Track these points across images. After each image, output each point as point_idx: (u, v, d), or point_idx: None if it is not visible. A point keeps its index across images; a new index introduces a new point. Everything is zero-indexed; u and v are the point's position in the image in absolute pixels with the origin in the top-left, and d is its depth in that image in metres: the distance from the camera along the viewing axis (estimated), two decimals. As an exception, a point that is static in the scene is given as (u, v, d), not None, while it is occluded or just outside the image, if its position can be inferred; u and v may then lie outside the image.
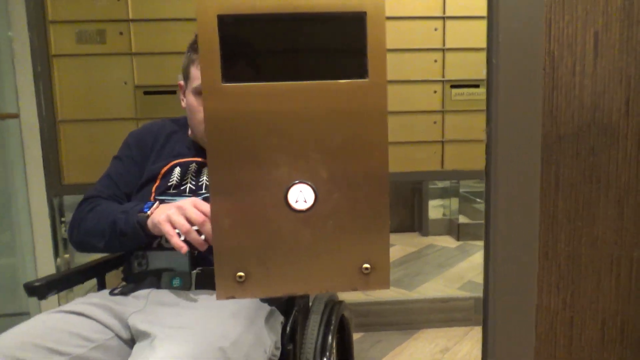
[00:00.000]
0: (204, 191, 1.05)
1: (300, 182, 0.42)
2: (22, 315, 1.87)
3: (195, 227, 0.86)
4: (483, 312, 0.54)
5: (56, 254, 1.90)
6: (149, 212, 0.92)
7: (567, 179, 0.63)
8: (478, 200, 4.47)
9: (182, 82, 1.14)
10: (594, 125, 0.64)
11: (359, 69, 0.41)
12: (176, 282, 0.95)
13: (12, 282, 1.90)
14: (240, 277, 0.43)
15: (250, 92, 0.41)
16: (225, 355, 0.74)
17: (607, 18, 0.62)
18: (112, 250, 1.02)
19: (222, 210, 0.42)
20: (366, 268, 0.44)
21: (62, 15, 1.84)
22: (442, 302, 2.19)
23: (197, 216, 0.86)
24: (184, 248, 0.83)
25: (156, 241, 1.00)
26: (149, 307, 0.89)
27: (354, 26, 0.41)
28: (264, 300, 0.97)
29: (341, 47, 0.42)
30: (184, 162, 1.08)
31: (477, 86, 2.05)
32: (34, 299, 1.87)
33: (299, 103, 0.41)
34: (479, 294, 2.24)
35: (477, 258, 3.19)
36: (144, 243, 0.97)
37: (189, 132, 1.14)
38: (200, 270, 0.96)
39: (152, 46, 1.87)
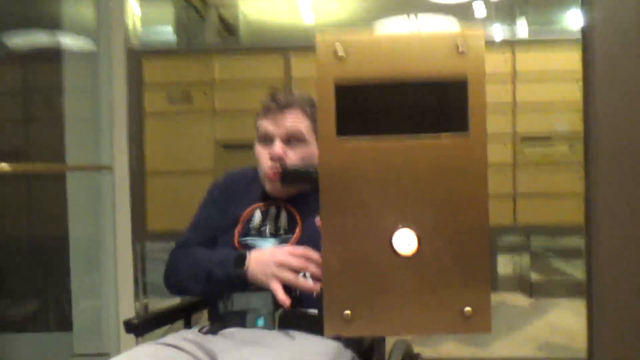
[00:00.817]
0: (281, 232, 1.10)
1: (404, 227, 0.45)
2: (103, 355, 1.97)
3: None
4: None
5: (137, 297, 2.01)
6: (245, 268, 0.99)
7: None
8: (550, 255, 4.25)
9: (255, 143, 1.23)
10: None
11: (460, 126, 0.45)
12: (260, 322, 0.99)
13: (95, 324, 2.03)
14: (347, 315, 0.46)
15: (360, 145, 0.46)
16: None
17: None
18: (208, 295, 1.09)
19: (332, 254, 0.46)
20: (468, 312, 0.46)
21: (155, 79, 2.05)
22: (518, 363, 2.08)
23: (299, 263, 0.93)
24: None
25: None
26: (236, 346, 0.93)
27: (457, 90, 0.45)
28: (345, 347, 0.99)
29: (444, 107, 0.46)
30: (265, 205, 1.14)
31: (548, 139, 2.02)
32: (114, 340, 1.97)
33: (404, 156, 0.46)
34: (559, 356, 2.10)
35: (552, 317, 3.00)
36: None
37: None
38: (283, 312, 1.00)
39: (233, 105, 2.03)
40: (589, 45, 0.50)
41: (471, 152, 0.45)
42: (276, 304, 1.00)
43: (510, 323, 2.84)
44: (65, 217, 1.96)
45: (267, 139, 1.11)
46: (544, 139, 2.02)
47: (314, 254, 0.97)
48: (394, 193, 0.45)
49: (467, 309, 0.46)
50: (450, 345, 2.47)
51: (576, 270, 3.72)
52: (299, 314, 1.00)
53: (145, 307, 2.15)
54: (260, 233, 1.10)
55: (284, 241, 1.07)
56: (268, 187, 1.12)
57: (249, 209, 1.14)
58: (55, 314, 2.24)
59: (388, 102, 0.46)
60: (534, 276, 3.62)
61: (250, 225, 1.11)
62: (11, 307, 2.27)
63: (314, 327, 0.98)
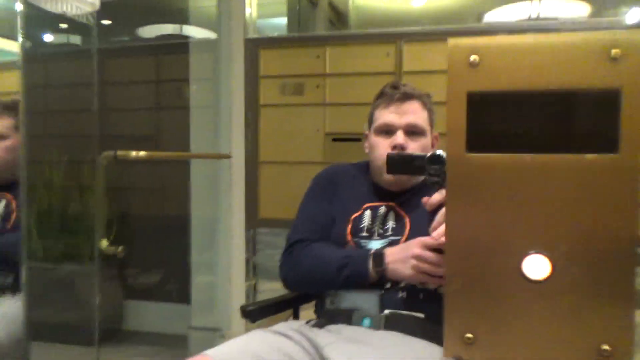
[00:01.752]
0: (390, 233, 1.09)
1: (536, 253, 0.42)
2: (215, 330, 2.13)
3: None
4: None
5: (247, 277, 2.15)
6: (385, 265, 1.01)
7: None
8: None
9: (366, 132, 1.24)
10: None
11: (608, 144, 0.41)
12: (366, 322, 1.00)
13: (211, 299, 2.19)
14: (469, 339, 0.44)
15: (491, 162, 0.43)
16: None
17: None
18: (327, 290, 1.11)
19: (455, 271, 0.44)
20: (605, 351, 0.41)
21: (271, 71, 2.13)
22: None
23: (435, 257, 0.95)
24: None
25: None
26: (342, 342, 0.95)
27: (605, 101, 0.41)
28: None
29: (590, 121, 0.42)
30: (374, 206, 1.14)
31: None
32: (225, 317, 2.12)
33: (541, 175, 0.42)
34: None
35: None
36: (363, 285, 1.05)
37: (370, 175, 1.21)
38: (389, 313, 1.00)
39: (343, 97, 2.04)
40: None
41: (619, 172, 0.41)
42: (383, 305, 1.00)
43: None
44: (189, 199, 2.14)
45: (387, 130, 1.13)
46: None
47: (439, 240, 0.96)
48: (527, 214, 0.42)
49: (605, 347, 0.41)
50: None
51: None
52: (405, 317, 0.99)
53: (254, 287, 2.28)
54: (370, 234, 1.11)
55: (392, 243, 1.07)
56: (385, 177, 1.13)
57: (360, 209, 1.14)
58: (176, 286, 2.46)
59: (525, 113, 0.43)
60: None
61: (361, 226, 1.12)
62: (140, 276, 2.54)
63: (419, 330, 0.97)
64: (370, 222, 1.12)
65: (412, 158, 1.00)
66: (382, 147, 1.13)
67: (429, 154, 0.98)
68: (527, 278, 0.42)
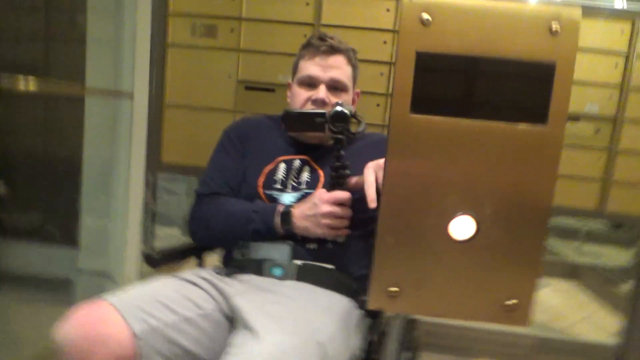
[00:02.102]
0: (304, 187, 1.09)
1: (464, 214, 0.45)
2: (105, 274, 2.02)
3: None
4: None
5: (144, 224, 2.04)
6: (293, 223, 1.02)
7: None
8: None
9: (290, 81, 1.23)
10: None
11: (539, 115, 0.43)
12: (277, 271, 1.01)
13: (101, 243, 2.07)
14: (393, 292, 0.46)
15: (432, 125, 0.44)
16: (323, 350, 0.78)
17: None
18: (235, 244, 1.09)
19: (388, 228, 0.45)
20: (510, 304, 0.46)
21: (181, 9, 1.97)
22: (499, 334, 2.14)
23: (343, 211, 1.00)
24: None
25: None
26: (251, 291, 0.95)
27: (542, 74, 0.43)
28: (356, 307, 1.01)
29: (525, 92, 0.44)
30: (289, 159, 1.13)
31: (577, 119, 1.98)
32: (119, 261, 2.02)
33: (476, 140, 0.44)
34: (538, 333, 2.17)
35: (540, 295, 3.07)
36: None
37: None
38: (301, 263, 1.01)
39: (259, 45, 1.96)
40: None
41: (545, 143, 0.44)
42: (293, 256, 1.02)
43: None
44: (81, 139, 1.95)
45: (310, 83, 1.12)
46: (572, 119, 1.98)
47: (345, 194, 1.00)
48: (459, 177, 0.44)
49: (512, 301, 0.45)
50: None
51: (569, 252, 3.78)
52: (315, 268, 1.02)
53: (152, 233, 2.18)
54: (283, 187, 1.10)
55: (305, 196, 1.07)
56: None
57: (274, 161, 1.12)
58: (61, 229, 2.28)
59: (468, 79, 0.44)
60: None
61: (274, 177, 1.11)
62: (21, 217, 2.31)
63: (328, 282, 1.00)
64: (284, 175, 1.11)
65: (313, 115, 1.00)
66: (302, 99, 1.12)
67: (331, 112, 0.98)
68: (453, 237, 0.45)
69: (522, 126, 0.43)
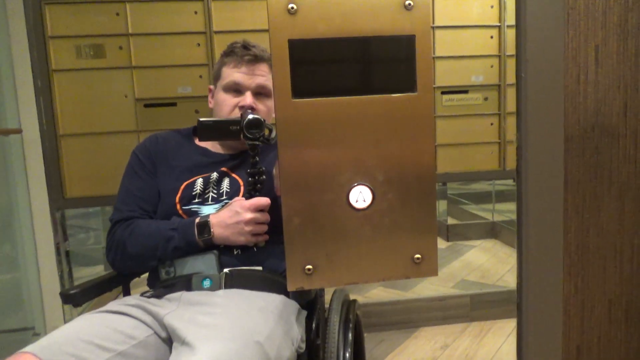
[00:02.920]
0: (224, 197, 1.09)
1: (359, 184, 0.48)
2: (27, 330, 1.87)
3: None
4: (517, 299, 0.60)
5: (59, 267, 1.91)
6: (211, 234, 1.02)
7: (575, 177, 0.71)
8: (463, 201, 4.59)
9: (211, 87, 1.23)
10: (597, 127, 0.71)
11: (409, 84, 0.47)
12: (206, 282, 1.00)
13: (17, 297, 1.91)
14: (309, 269, 0.48)
15: (315, 106, 0.46)
16: (262, 349, 0.79)
17: (605, 32, 0.70)
18: (155, 265, 1.07)
19: (292, 210, 0.47)
20: (417, 258, 0.50)
21: (61, 31, 1.86)
22: (439, 300, 2.27)
23: (264, 216, 1.02)
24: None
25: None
26: (182, 308, 0.93)
27: (405, 47, 0.47)
28: (292, 299, 1.02)
29: (393, 65, 0.48)
30: (206, 176, 1.12)
31: (466, 92, 2.14)
32: (39, 315, 1.87)
33: (358, 115, 0.47)
34: (473, 291, 2.33)
35: (467, 257, 3.28)
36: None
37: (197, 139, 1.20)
38: (229, 271, 1.01)
39: (151, 59, 1.91)
40: None
41: (418, 108, 0.48)
42: (221, 265, 1.01)
43: (431, 265, 3.06)
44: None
45: (236, 89, 1.14)
46: (461, 93, 2.13)
47: (265, 200, 1.02)
48: (349, 150, 0.47)
49: (417, 255, 0.49)
50: (376, 291, 2.64)
51: (486, 214, 4.06)
52: (243, 272, 1.02)
53: (70, 275, 2.05)
54: (202, 200, 1.09)
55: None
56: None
57: (190, 179, 1.11)
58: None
59: (340, 58, 0.47)
60: (450, 221, 3.91)
61: (192, 192, 1.09)
62: None
63: (259, 283, 1.01)
64: (202, 188, 1.10)
65: (227, 123, 1.00)
66: (229, 105, 1.13)
67: (246, 119, 1.00)
68: (353, 207, 0.48)
69: (395, 96, 0.46)
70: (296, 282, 0.48)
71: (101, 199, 1.97)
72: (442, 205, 3.99)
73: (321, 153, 0.47)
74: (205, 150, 1.17)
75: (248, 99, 1.12)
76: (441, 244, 3.61)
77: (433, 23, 2.05)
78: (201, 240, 1.02)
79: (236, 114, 1.12)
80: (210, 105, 1.23)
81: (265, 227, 1.03)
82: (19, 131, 1.75)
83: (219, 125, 1.01)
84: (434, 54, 2.05)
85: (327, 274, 0.48)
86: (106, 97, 1.90)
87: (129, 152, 1.88)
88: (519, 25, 0.54)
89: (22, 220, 1.84)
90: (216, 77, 1.20)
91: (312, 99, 0.46)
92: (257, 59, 1.14)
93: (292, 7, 0.45)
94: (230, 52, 1.17)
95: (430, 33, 0.46)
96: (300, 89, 0.46)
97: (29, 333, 1.86)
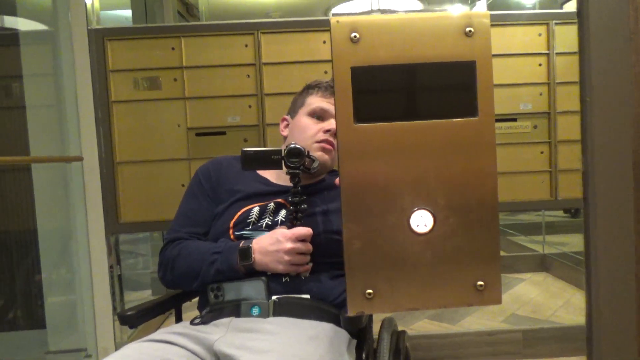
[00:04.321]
0: (279, 227, 1.10)
1: (421, 209, 0.47)
2: (80, 351, 1.93)
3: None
4: (587, 334, 0.57)
5: (112, 290, 1.97)
6: (252, 260, 1.03)
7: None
8: (511, 232, 4.44)
9: (287, 116, 1.28)
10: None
11: (470, 109, 0.47)
12: (255, 310, 1.00)
13: (71, 319, 1.97)
14: (370, 294, 0.48)
15: (377, 131, 0.47)
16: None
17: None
18: (202, 286, 1.09)
19: (353, 234, 0.47)
20: (480, 285, 0.48)
21: (121, 65, 1.98)
22: (488, 335, 2.17)
23: (306, 247, 1.02)
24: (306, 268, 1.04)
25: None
26: (232, 334, 0.94)
27: (465, 72, 0.47)
28: (342, 328, 1.01)
29: (455, 90, 0.48)
30: (264, 204, 1.13)
31: (514, 120, 2.10)
32: (91, 335, 1.93)
33: (419, 139, 0.47)
34: (525, 326, 2.22)
35: (517, 291, 3.15)
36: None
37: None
38: (277, 299, 1.01)
39: (203, 90, 1.99)
40: (584, 19, 0.53)
41: (480, 133, 0.48)
42: (269, 292, 1.02)
43: (479, 297, 2.95)
44: (33, 210, 1.89)
45: (320, 116, 1.19)
46: (509, 121, 2.10)
47: (307, 230, 1.02)
48: (410, 174, 0.47)
49: (480, 282, 0.48)
50: (422, 323, 2.56)
51: (536, 246, 3.91)
52: (292, 300, 1.02)
53: (121, 298, 2.11)
54: (256, 227, 1.11)
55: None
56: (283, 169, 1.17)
57: (248, 206, 1.13)
58: (25, 311, 2.16)
59: (401, 84, 0.48)
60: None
61: (248, 220, 1.11)
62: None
63: (307, 311, 1.00)
64: (257, 217, 1.12)
65: (269, 153, 1.03)
66: (313, 129, 1.17)
67: (286, 149, 1.02)
68: (415, 232, 0.47)
69: (456, 121, 0.46)
70: (356, 306, 0.48)
71: (152, 224, 2.04)
72: (489, 236, 3.86)
73: (382, 177, 0.47)
74: (266, 180, 1.20)
75: (334, 123, 1.15)
76: (489, 276, 3.48)
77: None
78: (242, 266, 1.03)
79: (320, 137, 1.16)
80: (284, 134, 1.27)
81: (306, 258, 1.03)
82: (80, 159, 1.85)
83: (261, 155, 1.04)
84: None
85: (388, 298, 0.48)
86: (160, 127, 1.99)
87: (180, 179, 1.95)
88: (582, 51, 0.54)
89: (79, 244, 1.92)
90: (299, 105, 1.23)
91: (374, 124, 0.47)
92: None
93: (355, 36, 0.47)
94: (316, 85, 1.23)
95: (491, 58, 0.46)
96: (362, 114, 0.47)
97: (82, 354, 1.92)
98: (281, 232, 1.02)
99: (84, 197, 1.86)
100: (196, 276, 1.06)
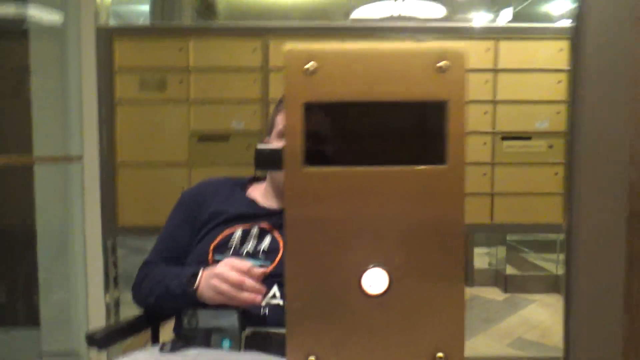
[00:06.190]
0: (260, 256, 1.05)
1: (375, 266, 0.42)
2: (72, 355, 1.90)
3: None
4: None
5: (106, 291, 1.95)
6: (195, 286, 0.95)
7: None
8: (525, 249, 4.31)
9: (267, 138, 1.20)
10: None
11: (437, 155, 0.41)
12: (226, 343, 0.95)
13: (64, 319, 1.96)
14: (312, 360, 0.42)
15: (330, 176, 0.41)
16: None
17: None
18: (170, 311, 1.07)
19: (295, 292, 0.42)
20: (440, 358, 0.42)
21: (128, 64, 1.95)
22: (492, 361, 2.09)
23: (237, 278, 0.91)
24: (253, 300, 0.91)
25: None
26: (196, 369, 0.89)
27: (435, 113, 0.41)
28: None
29: (420, 133, 0.42)
30: (246, 227, 1.09)
31: (529, 138, 2.01)
32: (83, 339, 1.91)
33: (377, 188, 0.41)
34: (532, 353, 2.12)
35: (526, 313, 3.05)
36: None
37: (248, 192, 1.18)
38: (250, 333, 0.96)
39: (209, 93, 1.96)
40: (580, 37, 0.47)
41: (448, 183, 0.42)
42: (243, 324, 0.96)
43: (485, 318, 2.87)
44: (33, 208, 1.88)
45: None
46: (524, 139, 2.01)
47: (257, 270, 0.93)
48: (365, 228, 0.42)
49: (439, 354, 0.42)
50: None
51: (550, 265, 3.78)
52: (265, 334, 0.96)
53: (117, 301, 2.08)
54: (237, 253, 1.06)
55: (261, 267, 1.02)
56: (273, 191, 1.13)
57: (231, 228, 1.08)
58: (21, 307, 2.16)
59: (360, 125, 0.42)
60: (509, 270, 3.67)
61: (229, 244, 1.07)
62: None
63: (280, 348, 0.94)
64: (239, 241, 1.07)
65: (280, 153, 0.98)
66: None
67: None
68: (366, 293, 0.42)
69: (421, 168, 0.41)
70: (297, 373, 0.42)
71: (150, 230, 2.00)
72: (500, 253, 3.77)
73: (333, 229, 0.42)
74: (252, 202, 1.15)
75: None
76: (498, 295, 3.38)
77: (496, 65, 1.97)
78: (189, 293, 0.96)
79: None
80: None
81: (233, 291, 0.91)
82: (79, 158, 1.83)
83: (277, 154, 0.99)
84: (494, 97, 1.96)
85: (333, 366, 0.42)
86: (163, 129, 1.96)
87: (179, 185, 1.91)
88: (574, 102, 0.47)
89: (76, 244, 1.91)
90: (270, 126, 1.18)
91: (326, 168, 0.41)
92: None
93: (312, 67, 0.41)
94: (281, 101, 1.16)
95: (465, 98, 0.40)
96: (313, 156, 0.41)
97: (75, 358, 1.90)
98: (230, 259, 0.96)
99: (82, 197, 1.84)
100: (156, 303, 1.04)
